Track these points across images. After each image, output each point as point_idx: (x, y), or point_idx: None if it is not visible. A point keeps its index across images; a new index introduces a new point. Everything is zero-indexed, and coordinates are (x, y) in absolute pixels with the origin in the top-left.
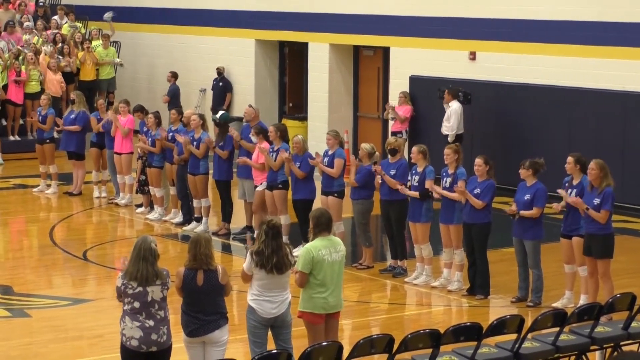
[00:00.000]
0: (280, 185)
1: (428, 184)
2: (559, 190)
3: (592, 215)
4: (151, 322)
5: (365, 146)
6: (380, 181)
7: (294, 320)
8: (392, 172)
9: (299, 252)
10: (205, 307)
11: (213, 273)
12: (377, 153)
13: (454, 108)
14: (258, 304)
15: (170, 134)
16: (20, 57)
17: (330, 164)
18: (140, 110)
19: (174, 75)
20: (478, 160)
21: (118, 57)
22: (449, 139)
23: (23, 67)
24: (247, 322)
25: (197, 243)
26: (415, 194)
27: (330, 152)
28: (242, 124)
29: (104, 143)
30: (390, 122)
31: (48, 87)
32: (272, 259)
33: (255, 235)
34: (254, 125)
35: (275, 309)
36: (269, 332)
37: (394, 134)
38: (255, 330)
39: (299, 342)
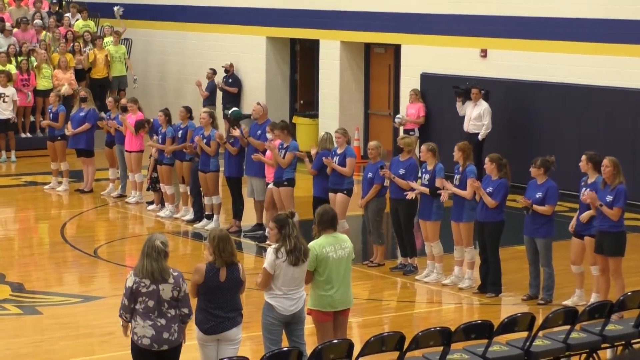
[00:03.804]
0: (285, 182)
1: (438, 181)
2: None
3: (604, 212)
4: (163, 321)
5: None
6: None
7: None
8: (402, 171)
9: None
10: (225, 304)
11: (235, 267)
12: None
13: (486, 107)
14: (277, 302)
15: (180, 132)
16: (31, 58)
17: (341, 163)
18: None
19: (214, 72)
20: (486, 160)
21: (129, 54)
22: (480, 137)
23: (34, 65)
24: (264, 319)
25: (221, 239)
26: (426, 190)
27: (339, 151)
28: (252, 121)
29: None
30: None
31: (58, 80)
32: (302, 250)
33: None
34: (272, 122)
35: (293, 306)
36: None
37: (406, 131)
38: (271, 327)
39: (309, 339)
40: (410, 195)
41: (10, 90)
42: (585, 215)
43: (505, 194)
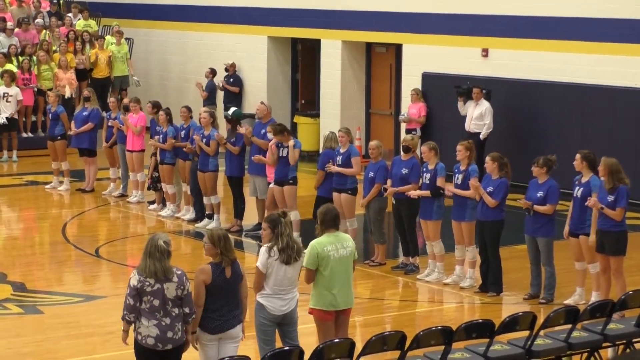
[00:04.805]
0: (290, 181)
1: (439, 181)
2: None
3: (607, 213)
4: (167, 320)
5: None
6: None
7: (300, 317)
8: (404, 170)
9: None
10: (230, 300)
11: (236, 263)
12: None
13: (488, 106)
14: (269, 301)
15: (183, 132)
16: (34, 57)
17: (345, 162)
18: (157, 105)
19: (212, 72)
20: (487, 159)
21: (130, 54)
22: (481, 137)
23: (35, 68)
24: (256, 319)
25: (223, 237)
26: (427, 193)
27: (342, 150)
28: (255, 120)
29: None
30: (403, 124)
31: (59, 80)
32: (294, 249)
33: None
34: (270, 125)
35: (285, 306)
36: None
37: (408, 131)
38: (264, 328)
39: (306, 339)
40: (414, 194)
41: (14, 90)
42: (593, 237)
43: (506, 193)
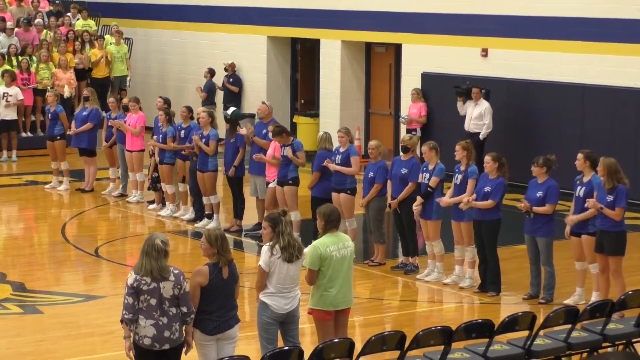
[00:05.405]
0: (290, 182)
1: (433, 181)
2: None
3: (606, 213)
4: (165, 319)
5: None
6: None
7: (300, 317)
8: (404, 170)
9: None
10: (227, 301)
11: (232, 264)
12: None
13: (487, 106)
14: (272, 300)
15: (182, 132)
16: (33, 57)
17: (344, 161)
18: (167, 102)
19: (211, 72)
20: (487, 158)
21: (130, 54)
22: (481, 137)
23: (33, 67)
24: (259, 318)
25: (223, 238)
26: (420, 201)
27: (342, 149)
28: (255, 120)
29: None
30: (404, 125)
31: (58, 79)
32: (295, 247)
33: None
34: (274, 126)
35: (288, 304)
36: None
37: (408, 131)
38: (267, 326)
39: (305, 339)
40: (417, 214)
41: (14, 90)
42: (576, 218)
43: (504, 193)
